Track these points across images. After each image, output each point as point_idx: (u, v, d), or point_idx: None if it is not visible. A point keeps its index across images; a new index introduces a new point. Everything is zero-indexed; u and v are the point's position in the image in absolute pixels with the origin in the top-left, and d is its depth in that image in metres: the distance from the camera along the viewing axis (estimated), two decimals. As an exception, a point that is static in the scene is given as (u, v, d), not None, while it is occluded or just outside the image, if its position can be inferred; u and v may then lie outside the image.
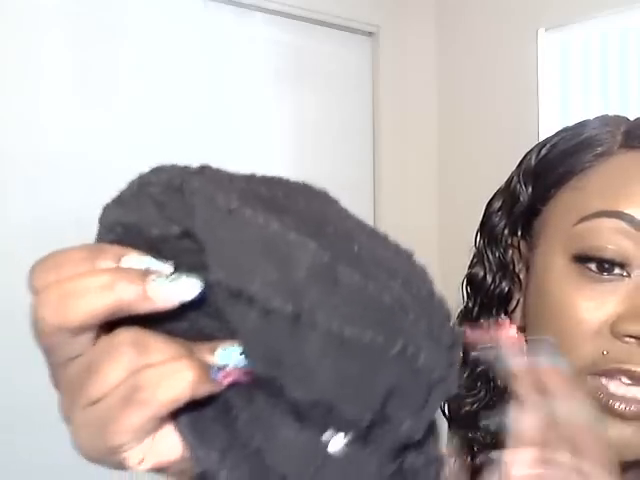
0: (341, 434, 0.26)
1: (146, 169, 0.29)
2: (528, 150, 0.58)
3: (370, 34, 2.75)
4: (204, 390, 0.26)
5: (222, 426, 0.27)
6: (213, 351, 0.27)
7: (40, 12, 1.98)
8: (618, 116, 0.55)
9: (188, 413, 0.27)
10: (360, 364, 0.25)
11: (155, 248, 0.27)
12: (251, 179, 0.29)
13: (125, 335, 0.26)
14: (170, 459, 0.27)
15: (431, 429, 0.28)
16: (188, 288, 0.26)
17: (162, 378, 0.25)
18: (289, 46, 2.53)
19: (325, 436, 0.26)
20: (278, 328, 0.25)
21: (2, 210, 1.91)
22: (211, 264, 0.25)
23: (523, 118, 2.58)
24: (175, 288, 0.26)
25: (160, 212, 0.27)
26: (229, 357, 0.26)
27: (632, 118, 0.56)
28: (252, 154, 2.42)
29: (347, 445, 0.26)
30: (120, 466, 0.27)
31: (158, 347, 0.26)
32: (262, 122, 2.47)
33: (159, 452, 0.27)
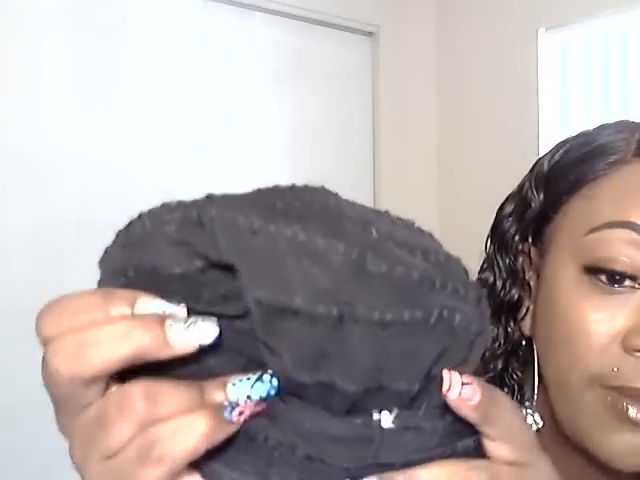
0: (391, 408, 0.27)
1: (147, 207, 0.29)
2: (541, 155, 0.56)
3: (370, 34, 2.75)
4: (220, 437, 0.26)
5: (252, 452, 0.27)
6: (224, 386, 0.26)
7: (40, 12, 1.98)
8: (634, 123, 0.54)
9: (212, 454, 0.26)
10: (404, 342, 0.26)
11: (171, 288, 0.27)
12: (260, 194, 0.29)
13: (136, 388, 0.26)
14: None
15: None
16: (206, 332, 0.26)
17: (175, 433, 0.25)
18: (289, 46, 2.53)
19: (375, 415, 0.27)
20: (323, 332, 0.25)
21: (2, 210, 1.91)
22: (248, 286, 0.25)
23: (523, 118, 2.58)
24: (193, 333, 0.26)
25: (179, 249, 0.27)
26: (241, 390, 0.26)
27: (633, 119, 0.55)
28: (252, 154, 2.42)
29: (398, 417, 0.27)
30: None
31: (169, 398, 0.26)
32: (262, 122, 2.47)
33: None
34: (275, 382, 0.26)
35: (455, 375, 0.27)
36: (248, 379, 0.26)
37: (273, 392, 0.26)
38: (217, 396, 0.26)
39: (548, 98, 2.56)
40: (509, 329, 0.54)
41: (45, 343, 0.26)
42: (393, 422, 0.27)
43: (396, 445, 0.27)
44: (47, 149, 1.99)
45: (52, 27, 2.01)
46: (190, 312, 0.27)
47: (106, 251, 0.30)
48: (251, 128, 2.44)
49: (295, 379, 0.26)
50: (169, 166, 2.18)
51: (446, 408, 0.28)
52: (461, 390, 0.27)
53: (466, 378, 0.28)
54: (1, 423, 1.86)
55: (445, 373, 0.27)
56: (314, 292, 0.25)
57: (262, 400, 0.26)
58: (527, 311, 0.54)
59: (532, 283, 0.54)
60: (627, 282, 0.46)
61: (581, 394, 0.47)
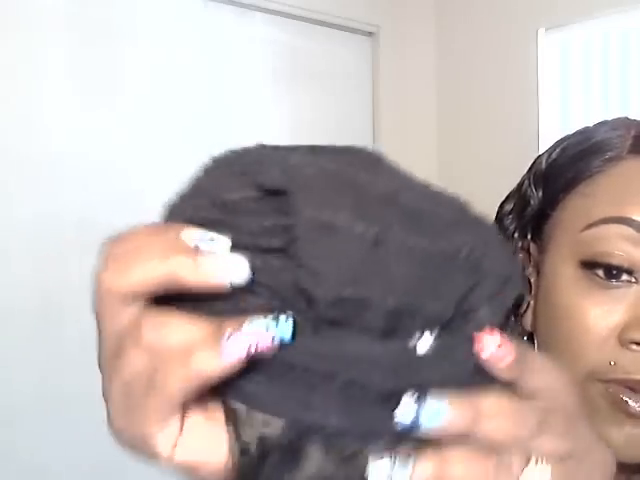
0: (427, 333, 0.28)
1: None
2: (540, 153, 0.57)
3: (370, 34, 2.75)
4: (221, 371, 0.26)
5: (290, 382, 0.27)
6: (242, 323, 0.27)
7: (42, 13, 1.98)
8: (629, 119, 0.55)
9: (246, 385, 0.27)
10: (437, 269, 0.28)
11: (220, 217, 0.29)
12: (308, 145, 0.32)
13: (147, 317, 0.27)
14: (201, 457, 0.27)
15: (505, 325, 0.31)
16: (238, 265, 0.27)
17: (177, 363, 0.25)
18: (289, 46, 2.53)
19: (412, 341, 0.28)
20: (362, 250, 0.27)
21: (3, 210, 1.91)
22: (298, 205, 0.27)
23: (523, 118, 2.58)
24: (226, 264, 0.27)
25: (236, 179, 0.29)
26: (256, 327, 0.26)
27: (633, 119, 0.55)
28: (252, 154, 2.42)
29: (434, 342, 0.28)
30: (154, 457, 0.27)
31: (177, 328, 0.26)
32: (262, 122, 2.47)
33: (190, 447, 0.27)
34: (290, 325, 0.27)
35: (489, 336, 0.28)
36: (265, 317, 0.27)
37: (287, 338, 0.26)
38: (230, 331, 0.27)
39: (548, 98, 2.56)
40: (514, 328, 0.55)
41: (100, 265, 0.28)
42: (429, 348, 0.28)
43: (434, 369, 0.28)
44: (49, 149, 1.99)
45: (53, 27, 2.01)
46: (235, 246, 0.28)
47: (172, 202, 0.32)
48: (251, 128, 2.44)
49: (335, 297, 0.27)
50: (169, 165, 2.18)
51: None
52: (494, 350, 0.28)
53: (501, 339, 0.28)
54: (1, 423, 1.86)
55: (479, 333, 0.28)
56: (356, 212, 0.27)
57: (275, 342, 0.27)
58: (528, 307, 0.54)
59: (532, 279, 0.55)
60: (624, 277, 0.47)
61: (581, 389, 0.47)
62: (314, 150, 0.31)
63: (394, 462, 0.27)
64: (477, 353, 0.28)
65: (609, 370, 0.46)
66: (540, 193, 0.55)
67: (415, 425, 0.26)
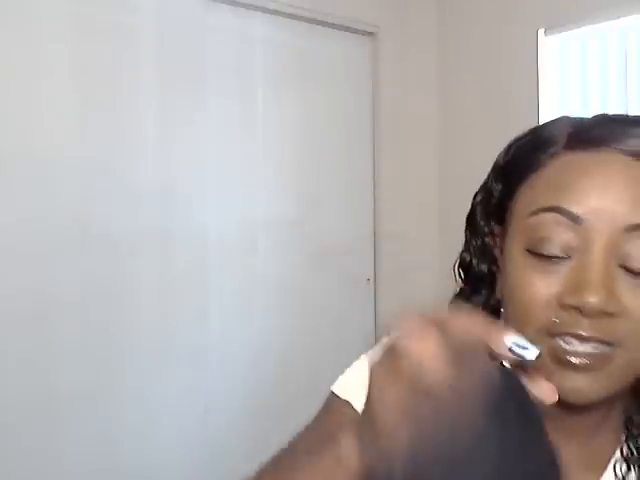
0: None
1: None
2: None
3: (370, 34, 2.76)
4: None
5: None
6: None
7: (41, 13, 1.99)
8: (570, 117, 0.63)
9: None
10: None
11: None
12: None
13: None
14: None
15: None
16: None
17: None
18: (289, 46, 2.53)
19: None
20: None
21: (3, 210, 1.91)
22: None
23: (523, 118, 2.59)
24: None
25: None
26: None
27: (575, 117, 0.63)
28: (252, 154, 2.42)
29: None
30: None
31: None
32: (261, 122, 2.47)
33: None
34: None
35: None
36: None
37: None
38: None
39: (548, 98, 2.56)
40: (490, 298, 0.66)
41: None
42: None
43: None
44: (49, 150, 2.00)
45: (53, 27, 2.02)
46: None
47: None
48: (251, 129, 2.44)
49: None
50: (168, 166, 2.18)
51: None
52: None
53: None
54: (1, 424, 1.87)
55: None
56: None
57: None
58: (497, 280, 0.65)
59: (498, 259, 0.65)
60: (559, 254, 0.57)
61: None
62: None
63: None
64: None
65: (554, 326, 0.57)
66: (500, 186, 0.64)
67: None
